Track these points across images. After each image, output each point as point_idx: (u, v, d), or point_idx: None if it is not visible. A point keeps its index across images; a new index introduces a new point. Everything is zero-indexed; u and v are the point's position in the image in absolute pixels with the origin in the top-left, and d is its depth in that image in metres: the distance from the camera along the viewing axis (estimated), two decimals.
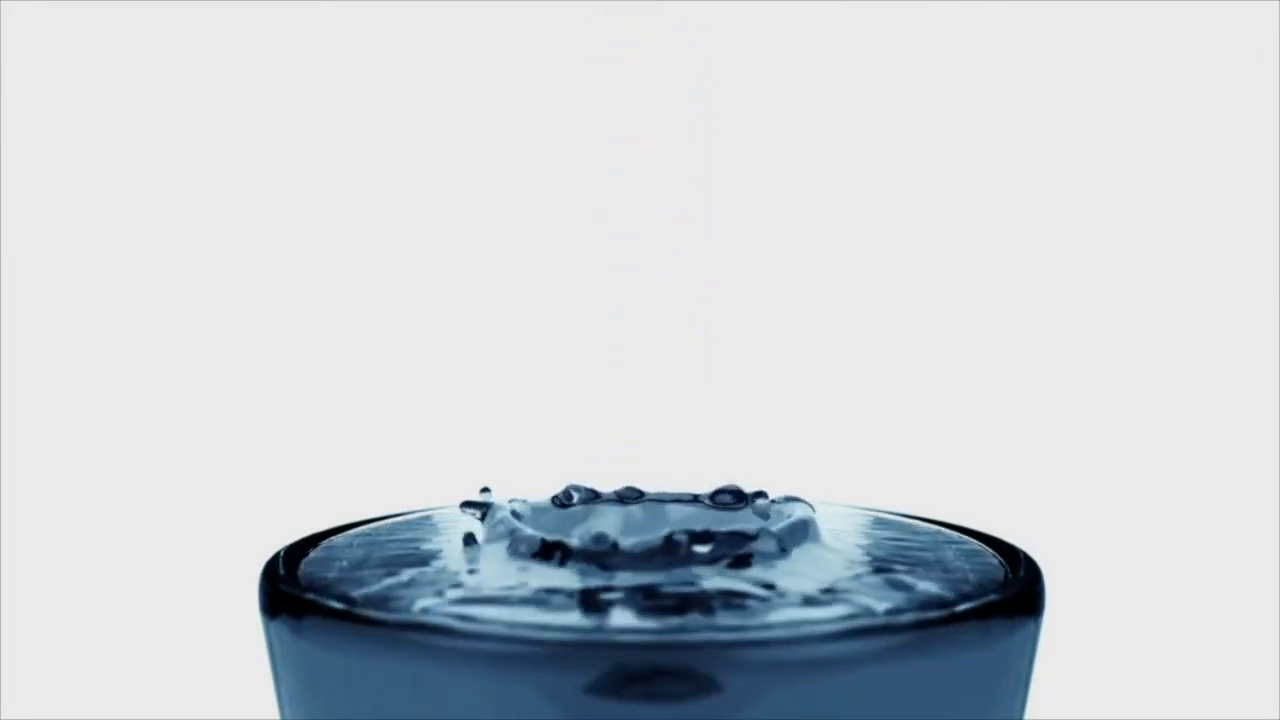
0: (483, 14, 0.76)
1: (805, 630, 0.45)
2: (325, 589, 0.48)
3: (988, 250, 0.75)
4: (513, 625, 0.45)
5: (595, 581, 0.48)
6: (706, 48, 0.69)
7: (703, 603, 0.47)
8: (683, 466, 0.52)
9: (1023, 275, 0.75)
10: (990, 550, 0.53)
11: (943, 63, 0.76)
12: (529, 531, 0.51)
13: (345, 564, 0.50)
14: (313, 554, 0.52)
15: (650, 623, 0.45)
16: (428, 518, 0.56)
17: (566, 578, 0.49)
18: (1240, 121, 0.76)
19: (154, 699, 0.72)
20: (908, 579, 0.50)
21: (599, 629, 0.45)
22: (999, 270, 0.74)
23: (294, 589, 0.48)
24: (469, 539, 0.52)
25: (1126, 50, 0.77)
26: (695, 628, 0.45)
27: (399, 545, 0.53)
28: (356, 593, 0.48)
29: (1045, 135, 0.76)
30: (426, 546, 0.53)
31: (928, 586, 0.49)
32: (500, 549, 0.51)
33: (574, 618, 0.46)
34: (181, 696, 0.71)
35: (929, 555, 0.53)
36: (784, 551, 0.50)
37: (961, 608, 0.47)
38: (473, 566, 0.51)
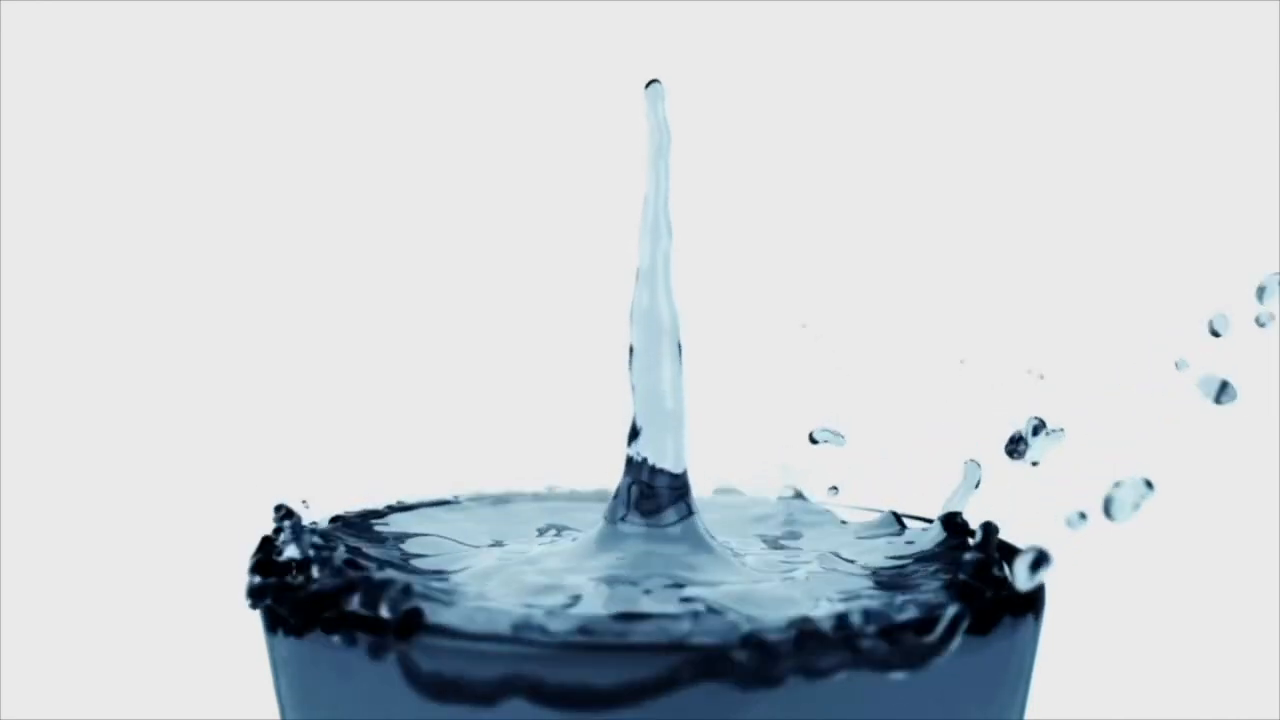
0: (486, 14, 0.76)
1: (802, 631, 0.45)
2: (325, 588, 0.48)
3: (986, 245, 0.75)
4: (515, 627, 0.45)
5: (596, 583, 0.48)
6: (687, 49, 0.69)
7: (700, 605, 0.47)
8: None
9: (1020, 266, 0.75)
10: (989, 549, 0.53)
11: (917, 60, 0.76)
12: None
13: (344, 561, 0.50)
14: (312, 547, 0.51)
15: (649, 626, 0.45)
16: (427, 509, 0.56)
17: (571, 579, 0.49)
18: (1240, 121, 0.76)
19: (154, 699, 0.71)
20: (907, 578, 0.50)
21: (598, 632, 0.45)
22: (996, 263, 0.74)
23: (294, 589, 0.48)
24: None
25: (1122, 47, 0.77)
26: (695, 630, 0.45)
27: (401, 540, 0.53)
28: (356, 591, 0.48)
29: (1039, 132, 0.76)
30: (429, 542, 0.53)
31: (927, 586, 0.49)
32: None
33: (576, 620, 0.45)
34: (182, 697, 0.71)
35: (928, 554, 0.53)
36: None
37: (960, 608, 0.47)
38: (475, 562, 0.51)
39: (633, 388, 0.50)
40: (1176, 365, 0.51)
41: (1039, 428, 0.53)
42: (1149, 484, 0.45)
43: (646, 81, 0.51)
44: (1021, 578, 0.46)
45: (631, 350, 0.50)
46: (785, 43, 0.76)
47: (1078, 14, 0.76)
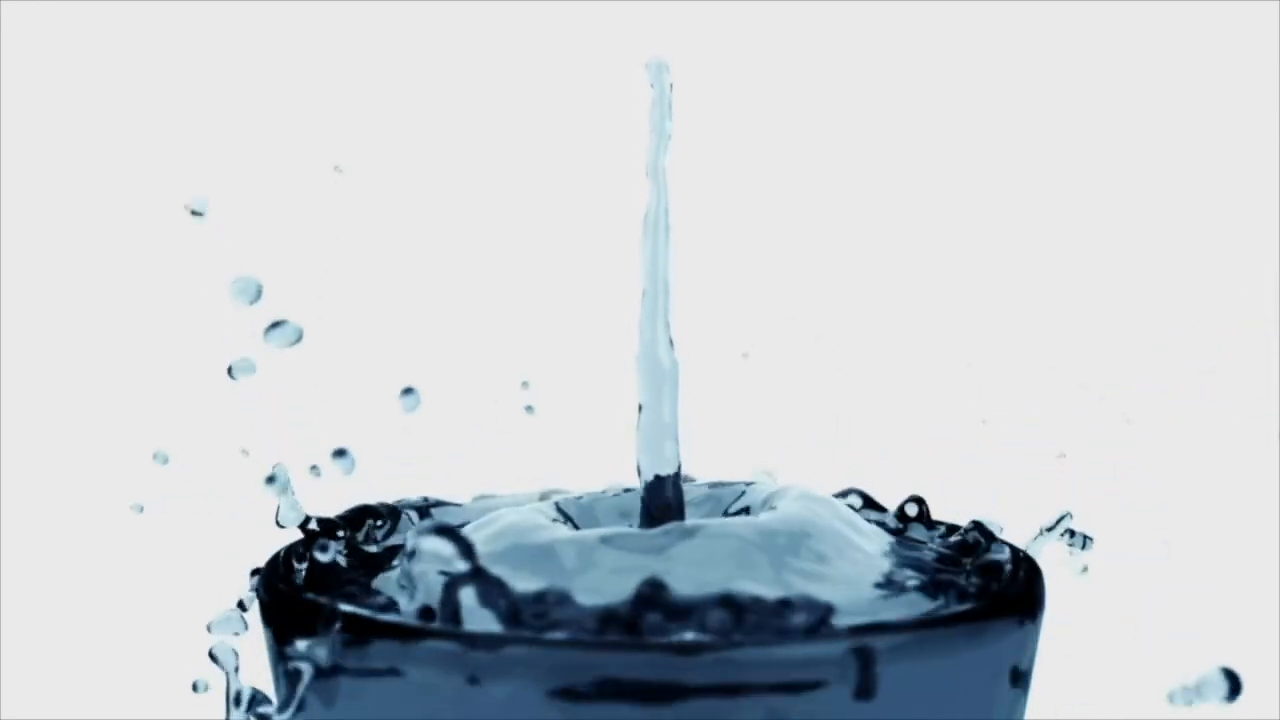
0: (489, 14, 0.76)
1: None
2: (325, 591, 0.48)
3: (989, 245, 0.75)
4: (517, 631, 0.45)
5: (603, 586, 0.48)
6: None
7: (704, 605, 0.47)
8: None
9: (1023, 269, 0.75)
10: (990, 550, 0.53)
11: (913, 60, 0.76)
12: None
13: (346, 565, 0.50)
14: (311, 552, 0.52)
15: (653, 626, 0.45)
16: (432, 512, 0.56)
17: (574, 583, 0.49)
18: (1240, 122, 0.76)
19: (154, 699, 0.72)
20: (907, 578, 0.50)
21: (604, 634, 0.45)
22: (998, 264, 0.74)
23: (294, 593, 0.48)
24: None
25: (1118, 47, 0.77)
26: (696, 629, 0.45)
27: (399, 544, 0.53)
28: (357, 596, 0.48)
29: (1035, 136, 0.76)
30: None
31: (927, 586, 0.49)
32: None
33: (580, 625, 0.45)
34: (181, 696, 0.71)
35: (928, 554, 0.53)
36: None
37: (961, 608, 0.47)
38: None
39: (639, 464, 0.51)
40: None
41: (1073, 536, 0.54)
42: (1234, 687, 0.46)
43: (648, 58, 0.51)
44: None
45: (640, 408, 0.51)
46: (789, 43, 0.76)
47: (1084, 20, 0.77)
